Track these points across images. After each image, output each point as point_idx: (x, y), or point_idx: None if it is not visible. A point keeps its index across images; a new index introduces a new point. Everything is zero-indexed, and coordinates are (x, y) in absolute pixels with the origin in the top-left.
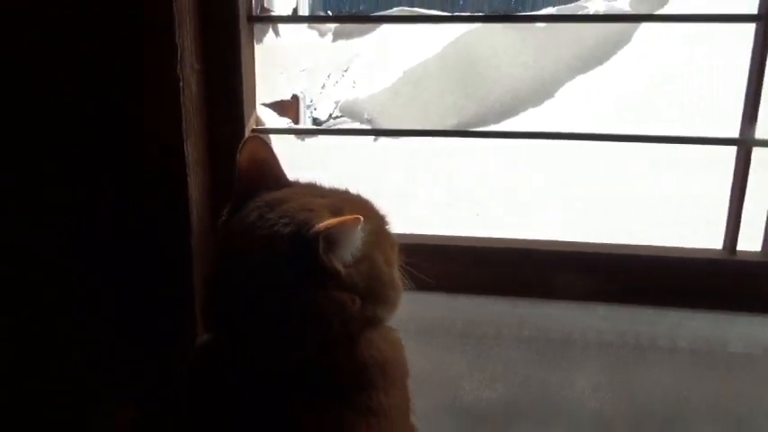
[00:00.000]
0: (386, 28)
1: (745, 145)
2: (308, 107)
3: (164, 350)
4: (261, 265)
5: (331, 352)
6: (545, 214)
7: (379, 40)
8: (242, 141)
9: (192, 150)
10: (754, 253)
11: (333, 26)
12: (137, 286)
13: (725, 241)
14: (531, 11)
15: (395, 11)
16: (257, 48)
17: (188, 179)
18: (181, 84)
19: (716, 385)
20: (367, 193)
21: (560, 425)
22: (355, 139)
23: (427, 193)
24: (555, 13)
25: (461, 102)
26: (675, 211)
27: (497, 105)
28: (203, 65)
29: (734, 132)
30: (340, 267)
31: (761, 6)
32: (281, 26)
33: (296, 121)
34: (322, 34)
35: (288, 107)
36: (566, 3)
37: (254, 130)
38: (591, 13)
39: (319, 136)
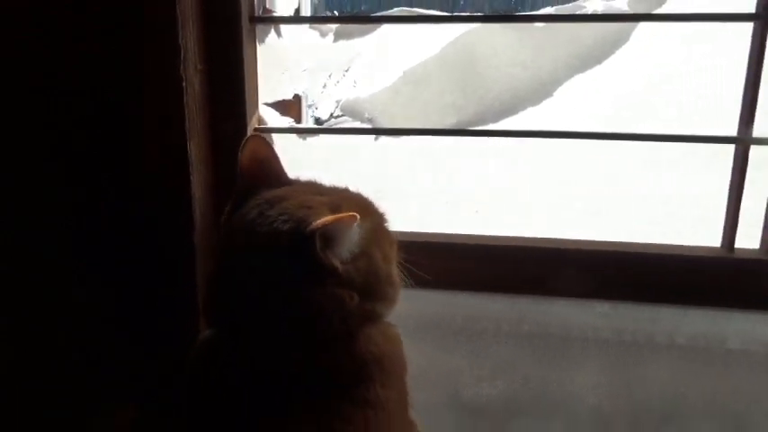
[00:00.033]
0: (386, 28)
1: (742, 143)
2: (310, 106)
3: (164, 350)
4: (261, 262)
5: (331, 348)
6: (544, 212)
7: (379, 40)
8: (243, 140)
9: (195, 149)
10: (752, 251)
11: (334, 26)
12: (137, 286)
13: (723, 239)
14: (531, 11)
15: (395, 11)
16: (259, 48)
17: (191, 178)
18: (184, 84)
19: (713, 382)
20: (367, 192)
21: (559, 421)
22: (356, 138)
23: (427, 192)
24: (553, 12)
25: (461, 101)
26: (674, 209)
27: (496, 104)
28: (206, 65)
29: (732, 131)
30: (337, 264)
31: (758, 5)
32: (282, 26)
33: (298, 120)
34: (323, 34)
35: (290, 106)
36: (564, 2)
37: (256, 129)
38: (589, 12)
39: (320, 135)
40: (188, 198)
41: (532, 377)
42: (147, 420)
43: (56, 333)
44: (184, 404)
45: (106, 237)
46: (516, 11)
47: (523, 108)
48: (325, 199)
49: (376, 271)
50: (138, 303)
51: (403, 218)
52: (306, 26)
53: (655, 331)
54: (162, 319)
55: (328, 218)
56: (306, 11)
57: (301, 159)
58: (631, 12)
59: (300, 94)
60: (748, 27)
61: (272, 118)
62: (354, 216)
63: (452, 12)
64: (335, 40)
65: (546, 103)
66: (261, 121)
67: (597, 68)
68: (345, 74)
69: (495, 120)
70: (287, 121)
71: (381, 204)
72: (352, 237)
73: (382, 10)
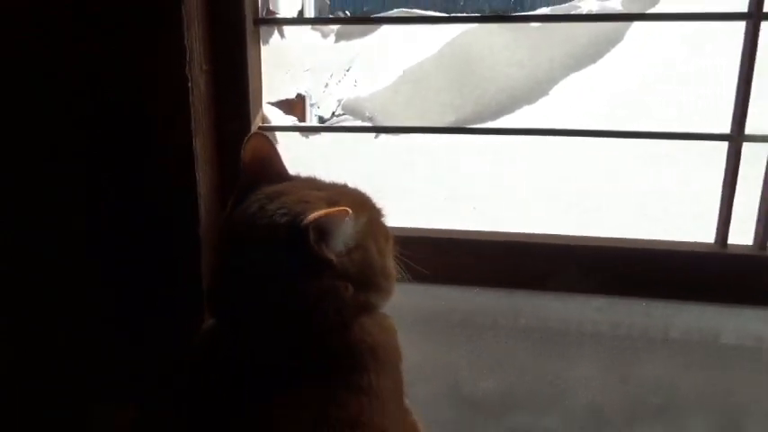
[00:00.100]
0: (386, 29)
1: (735, 141)
2: (312, 105)
3: (164, 350)
4: (260, 254)
5: (326, 339)
6: (541, 209)
7: (379, 41)
8: (246, 138)
9: (201, 148)
10: (745, 246)
11: (335, 28)
12: (137, 286)
13: (717, 235)
14: (530, 11)
15: (394, 12)
16: (263, 49)
17: (197, 176)
18: (190, 84)
19: (707, 376)
20: (367, 188)
21: (555, 414)
22: (357, 136)
23: (426, 188)
24: (548, 12)
25: (459, 100)
26: (669, 206)
27: (493, 103)
28: (211, 66)
29: (725, 129)
30: (332, 256)
31: (751, 4)
32: (285, 28)
33: (302, 119)
34: (325, 35)
35: (294, 105)
36: (560, 3)
37: (260, 128)
38: (584, 12)
39: (322, 133)
40: (194, 196)
41: (529, 370)
42: (147, 420)
43: (56, 333)
44: (185, 398)
45: (106, 237)
46: (515, 11)
47: (520, 106)
48: (324, 194)
49: (371, 263)
50: (138, 303)
51: (402, 213)
52: (308, 27)
53: (650, 326)
54: (162, 319)
55: (320, 212)
56: (309, 12)
57: (304, 156)
58: (625, 12)
59: (303, 93)
60: (741, 26)
61: (277, 117)
62: (346, 210)
63: (454, 12)
64: (337, 40)
65: (542, 101)
66: (265, 120)
67: (592, 67)
68: (346, 74)
69: (493, 118)
70: (291, 120)
71: (380, 200)
72: (346, 230)
73: (386, 10)
